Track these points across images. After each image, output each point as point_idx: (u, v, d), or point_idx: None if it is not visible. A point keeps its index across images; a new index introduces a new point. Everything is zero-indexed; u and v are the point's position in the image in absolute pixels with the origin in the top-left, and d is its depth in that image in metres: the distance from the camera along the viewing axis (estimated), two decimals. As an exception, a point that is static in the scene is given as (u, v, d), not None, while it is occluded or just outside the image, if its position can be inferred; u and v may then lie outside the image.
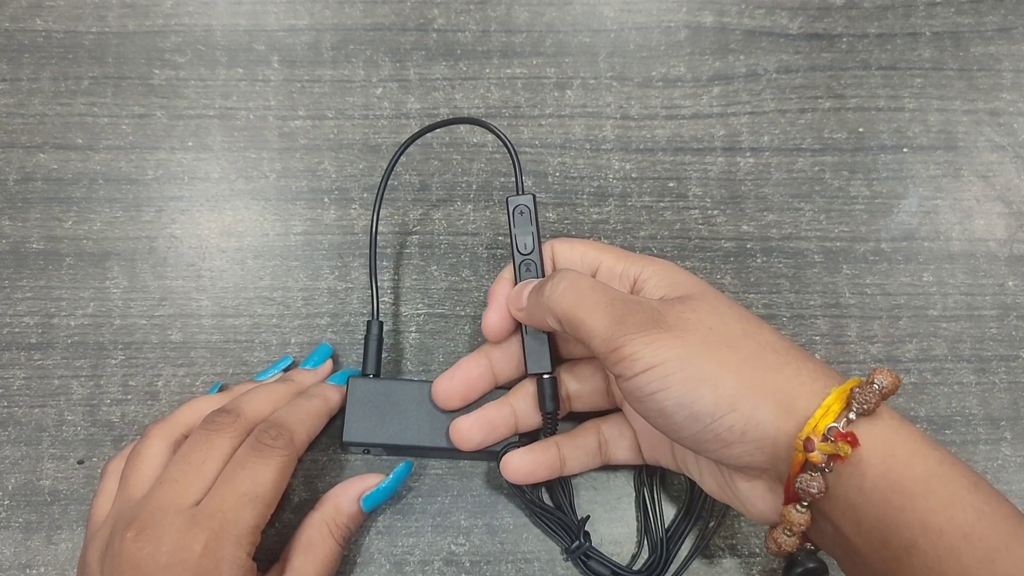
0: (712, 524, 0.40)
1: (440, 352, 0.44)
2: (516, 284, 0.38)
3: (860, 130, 0.49)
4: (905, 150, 0.49)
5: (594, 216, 0.47)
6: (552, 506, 0.41)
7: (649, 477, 0.41)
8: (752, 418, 0.30)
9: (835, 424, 0.29)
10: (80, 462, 0.42)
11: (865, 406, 0.30)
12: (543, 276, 0.38)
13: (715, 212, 0.47)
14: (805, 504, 0.31)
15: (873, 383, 0.30)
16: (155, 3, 0.50)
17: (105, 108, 0.48)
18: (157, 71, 0.49)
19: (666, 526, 0.40)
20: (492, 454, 0.40)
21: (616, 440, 0.39)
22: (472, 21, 0.50)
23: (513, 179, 0.47)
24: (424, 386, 0.40)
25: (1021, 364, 0.45)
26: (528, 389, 0.39)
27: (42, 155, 0.47)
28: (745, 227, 0.47)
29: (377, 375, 0.41)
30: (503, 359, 0.40)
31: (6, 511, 0.41)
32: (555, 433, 0.39)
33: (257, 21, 0.50)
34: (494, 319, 0.38)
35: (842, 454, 0.29)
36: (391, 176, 0.47)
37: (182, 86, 0.49)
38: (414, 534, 0.41)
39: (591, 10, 0.51)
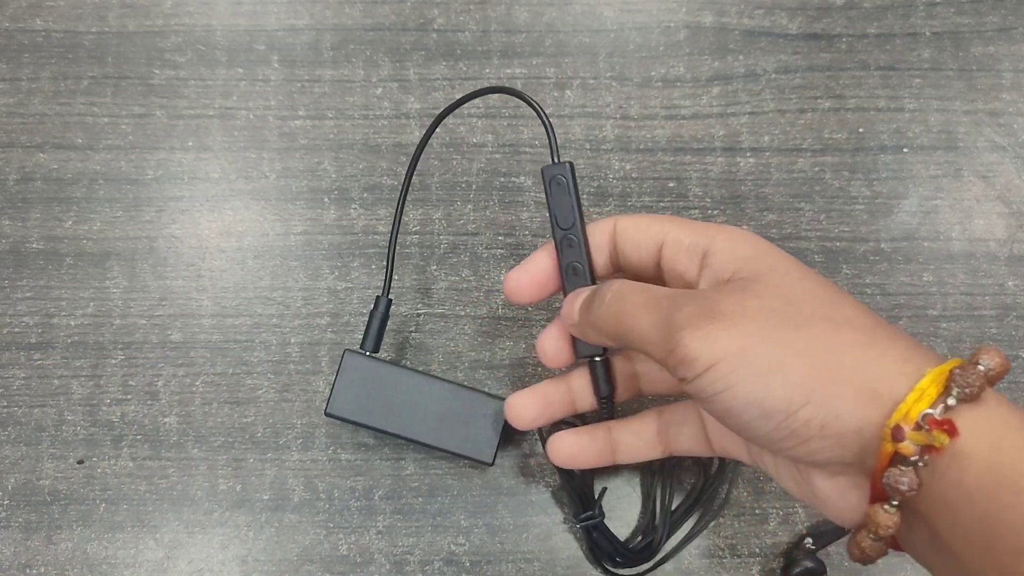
0: (713, 511, 0.40)
1: (440, 352, 0.44)
2: (560, 262, 0.35)
3: (860, 130, 0.49)
4: (905, 150, 0.49)
5: (594, 216, 0.47)
6: (576, 473, 0.40)
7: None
8: (831, 408, 0.27)
9: (930, 411, 0.25)
10: (80, 462, 0.42)
11: (967, 390, 0.26)
12: (587, 251, 0.35)
13: (715, 212, 0.47)
14: (895, 503, 0.27)
15: (978, 364, 0.26)
16: (155, 3, 0.50)
17: (105, 108, 0.48)
18: (157, 71, 0.49)
19: (672, 508, 0.40)
20: (470, 456, 0.40)
21: (679, 428, 0.36)
22: (472, 21, 0.50)
23: (513, 178, 0.48)
24: (418, 377, 0.40)
25: (1021, 364, 0.45)
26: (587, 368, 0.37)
27: (42, 155, 0.47)
28: (745, 227, 0.47)
29: (375, 353, 0.40)
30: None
31: (6, 511, 0.41)
32: (612, 418, 0.37)
33: (257, 21, 0.50)
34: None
35: (937, 445, 0.25)
36: (392, 176, 0.47)
37: (182, 86, 0.49)
38: (414, 534, 0.41)
39: (591, 10, 0.51)
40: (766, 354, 0.27)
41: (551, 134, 0.36)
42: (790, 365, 0.27)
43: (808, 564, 0.40)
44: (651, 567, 0.40)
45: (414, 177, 0.47)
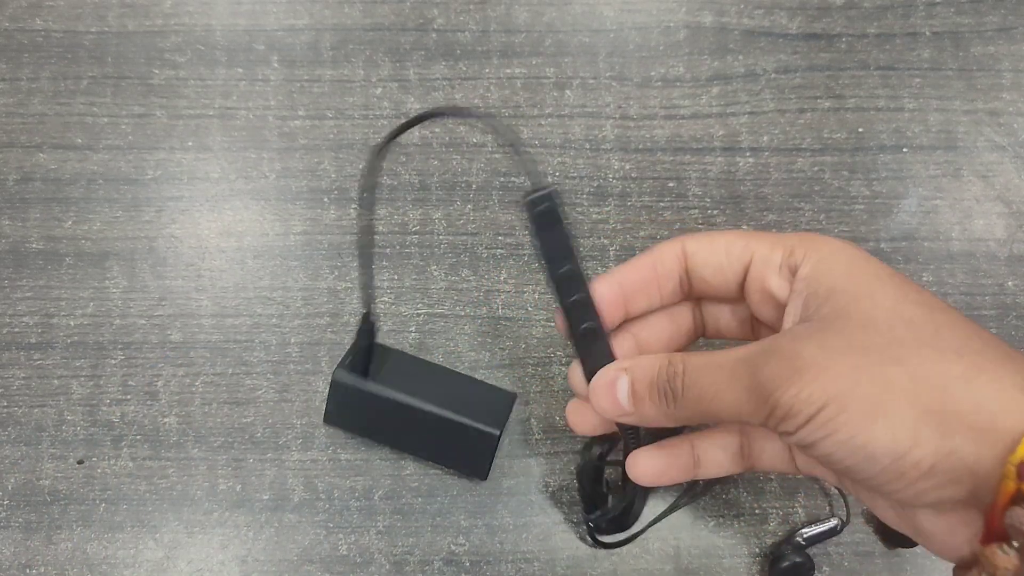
0: (698, 489, 0.41)
1: (440, 352, 0.44)
2: (562, 303, 0.31)
3: (860, 130, 0.49)
4: (905, 150, 0.49)
5: (594, 216, 0.47)
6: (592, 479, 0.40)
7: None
8: (941, 448, 0.24)
9: None
10: (80, 462, 0.42)
11: None
12: (587, 290, 0.31)
13: (715, 212, 0.47)
14: (1015, 544, 0.24)
15: None
16: (155, 3, 0.50)
17: (104, 108, 0.48)
18: (157, 71, 0.49)
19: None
20: (466, 469, 0.40)
21: (763, 444, 0.34)
22: (472, 21, 0.50)
23: (513, 178, 0.47)
24: (406, 403, 0.39)
25: (1020, 364, 0.45)
26: None
27: (41, 155, 0.47)
28: (745, 227, 0.47)
29: (364, 374, 0.39)
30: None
31: (6, 511, 0.41)
32: (640, 446, 0.34)
33: (257, 21, 0.50)
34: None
35: None
36: (392, 176, 0.47)
37: (182, 86, 0.49)
38: (414, 534, 0.41)
39: (591, 10, 0.51)
40: (867, 395, 0.25)
41: (519, 155, 0.29)
42: (894, 405, 0.25)
43: (796, 559, 0.40)
44: (636, 534, 0.40)
45: (414, 177, 0.47)
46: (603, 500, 0.40)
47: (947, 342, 0.26)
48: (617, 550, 0.41)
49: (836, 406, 0.25)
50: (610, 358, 0.32)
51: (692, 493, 0.41)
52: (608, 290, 0.32)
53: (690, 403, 0.29)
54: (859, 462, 0.26)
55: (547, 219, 0.29)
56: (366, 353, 0.39)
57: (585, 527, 0.41)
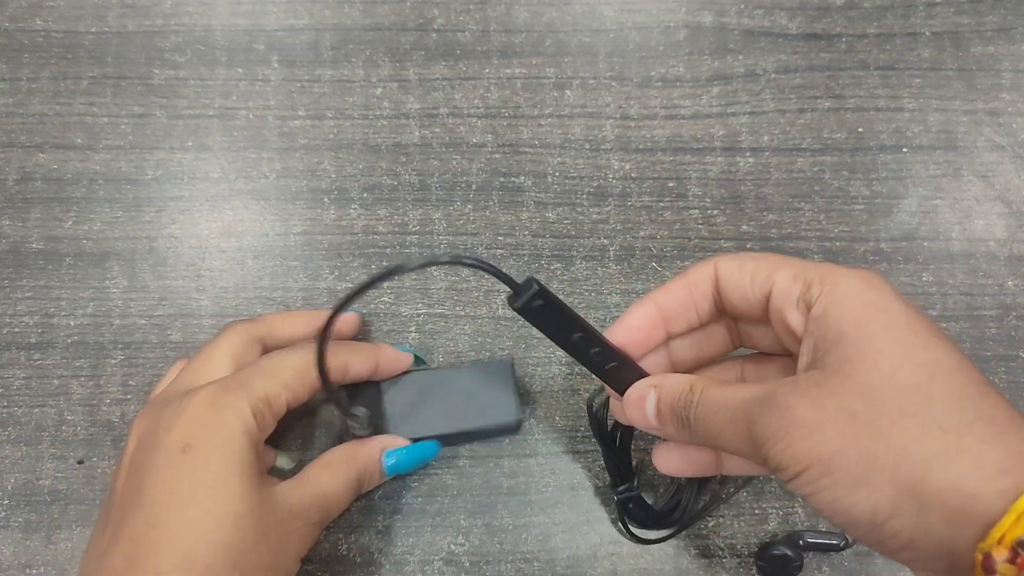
0: (730, 489, 0.41)
1: (440, 352, 0.44)
2: (586, 365, 0.33)
3: (859, 130, 0.49)
4: (905, 150, 0.49)
5: (594, 216, 0.47)
6: (616, 444, 0.40)
7: None
8: (918, 525, 0.25)
9: None
10: (80, 462, 0.42)
11: None
12: (602, 342, 0.32)
13: (715, 212, 0.47)
14: None
15: None
16: (155, 3, 0.50)
17: (105, 108, 0.48)
18: (157, 71, 0.49)
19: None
20: (486, 435, 0.41)
21: None
22: (472, 21, 0.50)
23: (513, 178, 0.47)
24: (415, 437, 0.40)
25: (1021, 364, 0.45)
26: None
27: (41, 155, 0.47)
28: (745, 227, 0.47)
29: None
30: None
31: (6, 511, 0.41)
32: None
33: (257, 21, 0.50)
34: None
35: None
36: (391, 176, 0.47)
37: (182, 86, 0.49)
38: (414, 534, 0.41)
39: (591, 10, 0.51)
40: (850, 465, 0.26)
41: (493, 272, 0.29)
42: (874, 479, 0.25)
43: (786, 551, 0.40)
44: (678, 529, 0.40)
45: (414, 177, 0.47)
46: (629, 472, 0.40)
47: (935, 414, 0.26)
48: (617, 550, 0.41)
49: (820, 468, 0.26)
50: (642, 373, 0.34)
51: (727, 493, 0.41)
52: (647, 312, 0.33)
53: (700, 435, 0.30)
54: (842, 523, 0.26)
55: (539, 309, 0.30)
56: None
57: (617, 505, 0.40)
